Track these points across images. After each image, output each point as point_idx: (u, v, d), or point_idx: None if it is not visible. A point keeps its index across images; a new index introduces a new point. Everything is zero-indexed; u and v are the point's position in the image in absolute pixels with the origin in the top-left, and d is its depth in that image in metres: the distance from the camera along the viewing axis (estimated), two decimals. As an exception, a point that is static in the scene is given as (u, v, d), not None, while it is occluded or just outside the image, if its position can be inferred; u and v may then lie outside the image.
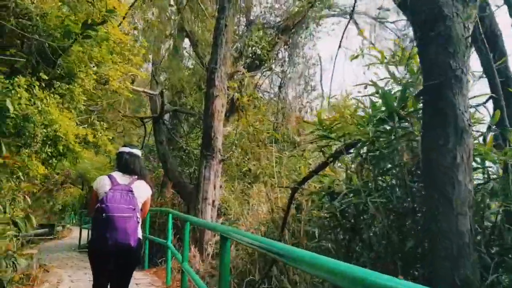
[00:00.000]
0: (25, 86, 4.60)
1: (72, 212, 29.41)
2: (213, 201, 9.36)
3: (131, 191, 3.50)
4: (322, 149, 4.18)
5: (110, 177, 3.61)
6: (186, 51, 13.25)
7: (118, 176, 3.62)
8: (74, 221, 28.23)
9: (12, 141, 5.36)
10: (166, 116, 12.77)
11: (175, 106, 11.97)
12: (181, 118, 12.49)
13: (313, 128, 4.44)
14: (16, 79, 4.48)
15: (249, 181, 11.85)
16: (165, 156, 9.85)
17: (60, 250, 14.51)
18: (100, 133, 7.33)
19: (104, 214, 3.31)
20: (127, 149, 3.81)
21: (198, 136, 13.18)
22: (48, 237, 19.23)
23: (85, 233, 15.63)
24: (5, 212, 4.00)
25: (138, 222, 3.50)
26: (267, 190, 6.34)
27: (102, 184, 3.57)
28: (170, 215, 7.62)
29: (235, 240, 2.93)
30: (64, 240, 20.06)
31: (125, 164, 3.70)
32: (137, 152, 3.88)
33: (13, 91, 4.39)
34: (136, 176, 3.69)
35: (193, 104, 11.08)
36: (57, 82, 5.86)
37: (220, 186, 9.87)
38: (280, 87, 15.39)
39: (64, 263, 10.73)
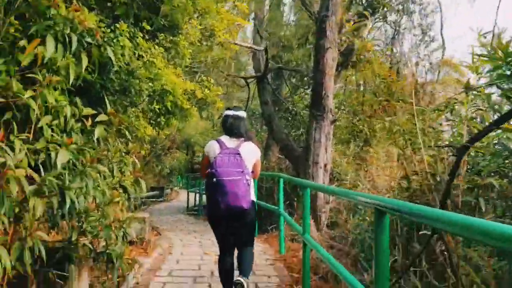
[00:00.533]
0: (128, 35, 4.10)
1: (179, 176, 30.76)
2: (325, 165, 8.47)
3: (239, 153, 3.52)
4: (508, 93, 3.02)
5: (218, 141, 3.66)
6: (290, 1, 12.11)
7: (226, 139, 3.67)
8: (181, 184, 29.47)
9: (118, 99, 4.98)
10: (269, 76, 12.06)
11: (279, 64, 11.15)
12: (285, 77, 11.62)
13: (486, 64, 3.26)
14: (117, 25, 3.98)
15: (360, 143, 10.76)
16: (271, 117, 9.13)
17: (170, 213, 14.86)
18: (209, 89, 6.82)
19: (214, 179, 3.35)
20: (231, 112, 3.82)
21: (302, 97, 12.30)
22: (159, 200, 20.12)
23: (191, 196, 15.85)
24: (113, 176, 3.54)
25: (249, 185, 3.48)
26: (401, 152, 5.29)
27: (212, 148, 3.64)
28: (281, 180, 6.91)
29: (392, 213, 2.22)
30: (172, 202, 20.80)
31: (230, 127, 3.73)
32: (242, 114, 3.86)
33: (115, 40, 3.90)
34: (243, 138, 3.72)
35: (299, 60, 10.15)
36: (161, 34, 5.36)
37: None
38: (393, 38, 13.79)
39: (174, 226, 10.77)
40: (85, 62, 3.07)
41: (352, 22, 9.73)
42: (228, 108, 4.01)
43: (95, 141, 3.27)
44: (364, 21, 9.89)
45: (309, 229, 4.89)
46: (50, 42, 2.78)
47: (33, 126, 2.80)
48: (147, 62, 4.80)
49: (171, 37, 5.37)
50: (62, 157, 2.72)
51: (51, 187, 2.60)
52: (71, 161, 2.91)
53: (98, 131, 3.25)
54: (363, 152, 10.97)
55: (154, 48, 4.86)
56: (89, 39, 3.16)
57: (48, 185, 2.57)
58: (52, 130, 2.95)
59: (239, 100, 16.71)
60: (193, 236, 8.94)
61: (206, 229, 8.80)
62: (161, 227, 10.25)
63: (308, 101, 10.17)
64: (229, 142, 3.66)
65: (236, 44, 8.44)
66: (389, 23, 12.83)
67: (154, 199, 19.54)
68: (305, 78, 10.88)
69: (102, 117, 3.32)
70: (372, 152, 9.58)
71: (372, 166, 7.99)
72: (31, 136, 2.80)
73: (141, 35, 4.75)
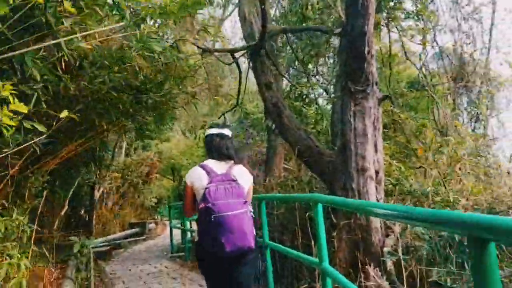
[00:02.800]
0: None
1: (167, 206, 27.17)
2: (377, 173, 5.19)
3: (235, 180, 2.94)
4: None
5: (203, 167, 3.04)
6: None
7: (213, 164, 3.06)
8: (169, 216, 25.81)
9: None
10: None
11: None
12: (293, 47, 8.26)
13: None
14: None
15: (404, 139, 7.56)
16: (278, 106, 5.86)
17: (149, 258, 11.35)
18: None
19: (213, 216, 2.74)
20: (215, 131, 3.22)
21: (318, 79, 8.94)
22: (140, 238, 16.63)
23: (176, 233, 12.37)
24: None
25: (252, 216, 2.93)
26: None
27: (197, 177, 3.00)
28: (319, 207, 3.53)
29: None
30: (157, 239, 17.29)
31: (217, 148, 3.13)
32: (228, 132, 3.24)
33: None
34: (232, 161, 3.11)
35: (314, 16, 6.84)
36: None
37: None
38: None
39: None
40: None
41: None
42: (212, 126, 3.35)
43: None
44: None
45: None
46: None
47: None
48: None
49: None
50: None
51: None
52: None
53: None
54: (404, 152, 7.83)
55: None
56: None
57: None
58: None
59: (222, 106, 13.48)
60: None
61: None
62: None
63: (329, 81, 6.98)
64: (218, 166, 3.04)
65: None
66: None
67: (134, 238, 16.08)
68: (327, 46, 7.51)
69: None
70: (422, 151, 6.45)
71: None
72: None
73: None
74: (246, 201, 2.88)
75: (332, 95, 6.85)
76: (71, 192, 11.37)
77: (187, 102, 7.22)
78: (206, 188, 2.86)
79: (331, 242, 5.36)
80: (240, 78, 7.04)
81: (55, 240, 9.57)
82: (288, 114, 5.93)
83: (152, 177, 18.71)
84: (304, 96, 7.41)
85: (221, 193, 2.83)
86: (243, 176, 3.08)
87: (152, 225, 19.61)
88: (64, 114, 3.56)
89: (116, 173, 16.27)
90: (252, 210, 2.97)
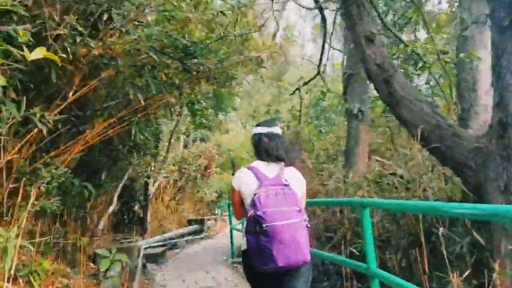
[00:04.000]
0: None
1: (227, 202, 25.95)
2: None
3: (287, 185, 2.67)
4: None
5: (252, 169, 2.78)
6: None
7: (261, 166, 2.82)
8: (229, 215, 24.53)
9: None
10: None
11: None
12: None
13: None
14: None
15: None
16: (385, 68, 3.82)
17: (205, 262, 9.86)
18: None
19: (264, 225, 2.48)
20: (264, 129, 2.94)
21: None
22: (199, 236, 15.33)
23: (236, 234, 10.75)
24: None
25: (308, 226, 2.65)
26: None
27: (246, 181, 2.76)
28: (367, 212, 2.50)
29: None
30: (216, 237, 15.93)
31: (266, 150, 2.86)
32: (278, 130, 2.98)
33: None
34: (283, 163, 2.83)
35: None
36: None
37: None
38: None
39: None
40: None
41: None
42: (259, 124, 3.04)
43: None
44: None
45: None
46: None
47: None
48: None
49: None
50: None
51: None
52: None
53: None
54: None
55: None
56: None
57: None
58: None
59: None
60: None
61: None
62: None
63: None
64: (267, 169, 2.79)
65: None
66: None
67: (191, 237, 14.80)
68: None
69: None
70: None
71: None
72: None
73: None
74: (300, 209, 2.63)
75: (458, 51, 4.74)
76: (120, 187, 10.12)
77: (251, 70, 5.47)
78: (255, 194, 2.62)
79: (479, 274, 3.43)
80: (325, 35, 5.19)
81: (94, 246, 8.33)
82: (402, 80, 3.98)
83: (211, 170, 17.39)
84: (416, 59, 5.35)
85: (272, 199, 2.59)
86: (296, 180, 2.83)
87: (211, 222, 18.34)
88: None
89: (172, 165, 15.02)
90: (307, 219, 2.70)
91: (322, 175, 7.82)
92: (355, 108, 8.33)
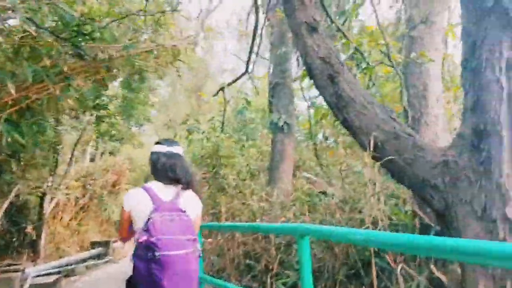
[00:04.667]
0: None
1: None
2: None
3: (184, 211, 2.49)
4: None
5: (147, 190, 2.53)
6: None
7: (158, 188, 2.57)
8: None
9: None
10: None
11: None
12: None
13: None
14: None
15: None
16: (330, 63, 3.02)
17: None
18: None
19: (156, 254, 2.28)
20: (163, 148, 2.74)
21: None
22: (101, 261, 13.67)
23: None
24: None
25: (200, 256, 2.50)
26: None
27: (139, 202, 2.50)
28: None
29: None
30: (123, 261, 14.38)
31: (163, 170, 2.64)
32: (178, 150, 2.77)
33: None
34: (181, 186, 2.62)
35: None
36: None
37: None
38: None
39: None
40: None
41: None
42: (159, 142, 2.81)
43: None
44: None
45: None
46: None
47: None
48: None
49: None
50: None
51: None
52: None
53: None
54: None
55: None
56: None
57: None
58: None
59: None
60: None
61: None
62: None
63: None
64: (164, 192, 2.54)
65: None
66: None
67: (94, 261, 13.12)
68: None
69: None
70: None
71: None
72: None
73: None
74: (195, 239, 2.46)
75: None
76: (5, 204, 8.45)
77: (166, 64, 4.51)
78: (149, 218, 2.38)
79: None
80: (256, 25, 4.45)
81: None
82: (350, 78, 3.30)
83: (120, 187, 15.78)
84: (360, 60, 4.78)
85: (167, 226, 2.39)
86: (193, 204, 2.64)
87: (118, 244, 16.60)
88: None
89: (75, 181, 13.32)
90: (200, 249, 2.53)
91: (244, 193, 7.04)
92: (280, 120, 7.72)
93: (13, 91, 3.20)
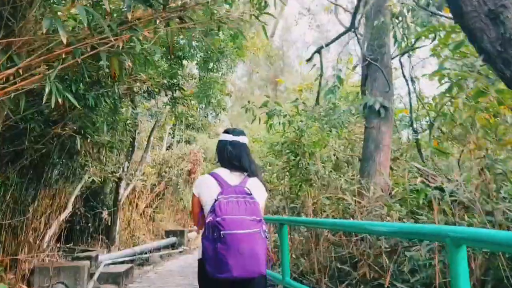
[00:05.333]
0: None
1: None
2: None
3: (250, 194, 2.59)
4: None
5: (215, 176, 2.70)
6: None
7: (225, 174, 2.73)
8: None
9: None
10: None
11: None
12: None
13: None
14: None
15: None
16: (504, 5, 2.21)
17: (183, 285, 7.99)
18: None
19: (222, 233, 2.40)
20: (229, 137, 2.84)
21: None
22: (176, 251, 13.37)
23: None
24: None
25: (266, 237, 2.57)
26: None
27: (207, 187, 2.67)
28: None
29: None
30: (197, 251, 13.91)
31: (229, 158, 2.77)
32: (244, 139, 2.87)
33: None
34: (246, 173, 2.76)
35: None
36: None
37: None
38: None
39: None
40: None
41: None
42: (226, 131, 2.93)
43: None
44: None
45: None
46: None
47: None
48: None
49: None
50: None
51: None
52: None
53: None
54: None
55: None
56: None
57: None
58: None
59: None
60: None
61: None
62: None
63: None
64: (230, 177, 2.70)
65: None
66: None
67: (168, 251, 12.85)
68: None
69: None
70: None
71: None
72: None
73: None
74: (260, 220, 2.54)
75: None
76: (78, 188, 8.19)
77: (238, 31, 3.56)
78: (216, 200, 2.52)
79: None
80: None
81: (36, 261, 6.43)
82: None
83: (195, 176, 15.45)
84: None
85: (233, 207, 2.50)
86: (258, 190, 2.73)
87: (193, 234, 16.35)
88: None
89: (151, 167, 13.09)
90: (267, 230, 2.60)
91: (336, 187, 6.03)
92: (376, 103, 6.56)
93: (64, 40, 2.54)
